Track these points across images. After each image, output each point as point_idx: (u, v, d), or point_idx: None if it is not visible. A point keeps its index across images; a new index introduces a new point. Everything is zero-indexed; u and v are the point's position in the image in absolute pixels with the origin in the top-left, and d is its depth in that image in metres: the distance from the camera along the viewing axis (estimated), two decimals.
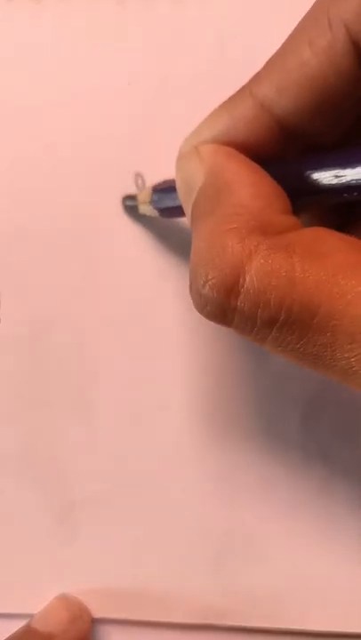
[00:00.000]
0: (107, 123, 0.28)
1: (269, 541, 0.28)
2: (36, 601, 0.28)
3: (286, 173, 0.20)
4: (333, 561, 0.28)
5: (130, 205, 0.27)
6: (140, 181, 0.28)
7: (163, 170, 0.28)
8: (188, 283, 0.18)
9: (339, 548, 0.28)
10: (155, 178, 0.28)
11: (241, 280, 0.17)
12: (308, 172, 0.19)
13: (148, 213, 0.26)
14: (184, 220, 0.26)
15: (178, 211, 0.23)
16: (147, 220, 0.28)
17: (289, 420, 0.27)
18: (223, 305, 0.17)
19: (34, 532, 0.28)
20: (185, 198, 0.21)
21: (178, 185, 0.22)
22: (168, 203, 0.25)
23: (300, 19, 0.27)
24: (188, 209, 0.21)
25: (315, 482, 0.27)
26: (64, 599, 0.27)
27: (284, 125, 0.20)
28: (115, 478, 0.28)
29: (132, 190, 0.28)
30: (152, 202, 0.26)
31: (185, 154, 0.21)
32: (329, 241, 0.17)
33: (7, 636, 0.26)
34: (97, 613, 0.28)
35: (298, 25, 0.19)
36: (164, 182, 0.25)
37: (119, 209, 0.28)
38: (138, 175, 0.28)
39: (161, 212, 0.26)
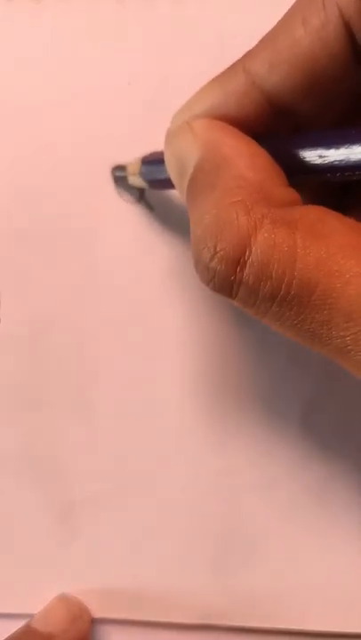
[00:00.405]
0: (107, 123, 0.28)
1: (269, 541, 0.28)
2: (36, 601, 0.28)
3: (273, 150, 0.20)
4: (333, 561, 0.28)
5: (119, 176, 0.27)
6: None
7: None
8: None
9: (339, 548, 0.28)
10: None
11: (247, 252, 0.17)
12: (294, 150, 0.19)
13: (137, 184, 0.26)
14: (173, 193, 0.26)
15: (167, 183, 0.23)
16: (135, 191, 0.27)
17: (289, 419, 0.27)
18: (230, 277, 0.17)
19: (34, 532, 0.28)
20: (177, 174, 0.21)
21: (168, 160, 0.21)
22: (157, 175, 0.25)
23: None
24: (181, 185, 0.21)
25: (315, 482, 0.27)
26: (64, 599, 0.27)
27: (274, 103, 0.20)
28: (114, 478, 0.28)
29: (132, 190, 0.28)
30: (141, 173, 0.26)
31: (176, 129, 0.21)
32: (331, 221, 0.17)
33: (7, 635, 0.26)
34: (97, 613, 0.28)
35: (294, 3, 0.19)
36: (153, 154, 0.25)
37: (119, 209, 0.28)
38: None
39: (150, 183, 0.26)
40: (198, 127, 0.20)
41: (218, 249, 0.17)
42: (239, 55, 0.27)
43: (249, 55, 0.20)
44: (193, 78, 0.27)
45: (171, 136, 0.21)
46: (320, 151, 0.19)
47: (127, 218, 0.28)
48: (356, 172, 0.18)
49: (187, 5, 0.28)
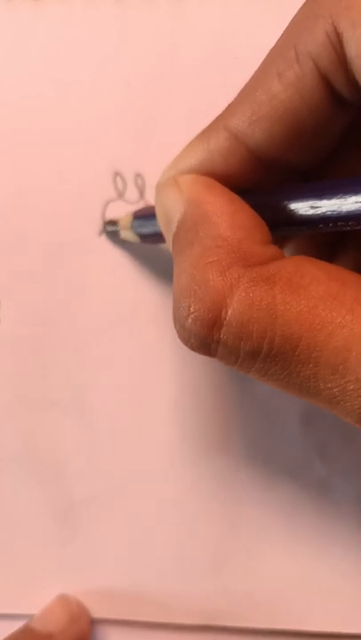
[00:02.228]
0: (106, 123, 0.28)
1: (269, 542, 0.28)
2: (36, 601, 0.28)
3: (264, 203, 0.20)
4: (333, 561, 0.28)
5: (111, 231, 0.27)
6: (119, 180, 0.28)
7: (162, 169, 0.28)
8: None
9: (339, 549, 0.27)
10: (155, 178, 0.28)
11: (223, 313, 0.17)
12: (285, 202, 0.19)
13: (129, 239, 0.26)
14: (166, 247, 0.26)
15: (159, 237, 0.23)
16: (128, 245, 0.28)
17: (289, 419, 0.27)
18: (206, 338, 0.17)
19: (33, 532, 0.28)
20: (165, 228, 0.21)
21: (158, 214, 0.22)
22: (149, 229, 0.25)
23: None
24: (169, 239, 0.21)
25: (315, 482, 0.27)
26: (63, 599, 0.27)
27: (258, 156, 0.20)
28: (114, 479, 0.28)
29: (132, 190, 0.28)
30: (133, 227, 0.26)
31: (164, 184, 0.21)
32: (310, 271, 0.17)
33: (6, 636, 0.26)
34: (96, 614, 0.28)
35: (267, 56, 0.19)
36: (145, 209, 0.26)
37: (118, 208, 0.28)
38: (117, 174, 0.28)
39: (142, 237, 0.26)
40: (184, 182, 0.20)
41: (192, 310, 0.17)
42: (239, 55, 0.27)
43: (228, 111, 0.20)
44: (193, 78, 0.28)
45: (159, 190, 0.21)
46: (312, 202, 0.19)
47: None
48: (350, 222, 0.18)
49: (187, 5, 0.28)
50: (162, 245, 0.26)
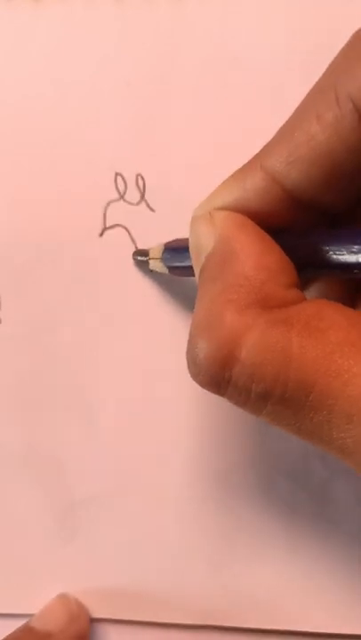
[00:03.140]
0: (107, 123, 0.28)
1: (269, 542, 0.28)
2: (36, 601, 0.28)
3: (296, 245, 0.20)
4: (333, 561, 0.27)
5: (140, 260, 0.27)
6: (120, 181, 0.28)
7: (162, 170, 0.28)
8: None
9: (339, 549, 0.27)
10: (155, 178, 0.28)
11: (236, 352, 0.17)
12: (321, 245, 0.19)
13: (158, 270, 0.26)
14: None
15: (187, 270, 0.23)
16: (156, 275, 0.28)
17: None
18: (217, 376, 0.17)
19: (33, 532, 0.28)
20: (195, 260, 0.21)
21: (190, 246, 0.22)
22: (179, 262, 0.25)
23: (298, 19, 0.27)
24: (197, 272, 0.21)
25: (315, 482, 0.27)
26: (63, 599, 0.27)
27: (295, 196, 0.19)
28: (114, 479, 0.28)
29: (132, 191, 0.28)
30: (163, 259, 0.26)
31: (198, 217, 0.21)
32: (330, 316, 0.17)
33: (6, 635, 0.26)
34: (95, 613, 0.28)
35: (305, 98, 0.20)
36: (176, 241, 0.26)
37: (119, 209, 0.28)
38: (118, 174, 0.28)
39: (171, 269, 0.26)
40: (217, 217, 0.20)
41: (204, 347, 0.17)
42: (239, 55, 0.27)
43: (265, 151, 0.20)
44: (193, 78, 0.28)
45: (193, 222, 0.21)
46: (350, 247, 0.19)
47: (129, 219, 0.28)
48: None
49: (187, 5, 0.28)
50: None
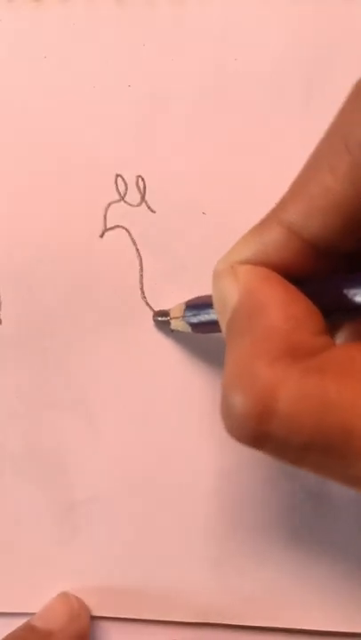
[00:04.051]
0: (107, 124, 0.28)
1: (270, 540, 0.28)
2: (37, 600, 0.28)
3: (321, 291, 0.20)
4: (333, 561, 0.28)
5: (161, 321, 0.27)
6: (120, 182, 0.28)
7: (163, 172, 0.28)
8: None
9: (338, 548, 0.28)
10: (155, 180, 0.28)
11: (273, 406, 0.16)
12: (344, 290, 0.19)
13: (180, 329, 0.26)
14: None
15: (211, 326, 0.24)
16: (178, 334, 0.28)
17: None
18: (254, 431, 0.17)
19: (34, 531, 0.28)
20: (220, 315, 0.21)
21: (214, 301, 0.22)
22: (201, 318, 0.25)
23: (298, 19, 0.27)
24: (223, 326, 0.21)
25: (315, 482, 0.27)
26: (64, 597, 0.28)
27: (314, 246, 0.20)
28: (115, 478, 0.28)
29: (133, 192, 0.28)
30: (184, 317, 0.26)
31: (221, 271, 0.21)
32: None
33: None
34: (96, 612, 0.28)
35: (315, 150, 0.20)
36: (197, 299, 0.26)
37: (119, 210, 0.28)
38: (118, 176, 0.28)
39: (194, 327, 0.26)
40: (241, 271, 0.20)
41: (240, 402, 0.17)
42: (239, 55, 0.27)
43: (281, 206, 0.20)
44: (193, 79, 0.28)
45: (216, 277, 0.21)
46: None
47: (129, 218, 0.28)
48: None
49: (187, 5, 0.27)
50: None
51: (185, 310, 0.26)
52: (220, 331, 0.23)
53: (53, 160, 0.28)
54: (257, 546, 0.28)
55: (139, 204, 0.28)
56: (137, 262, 0.28)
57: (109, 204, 0.28)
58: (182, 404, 0.28)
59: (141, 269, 0.28)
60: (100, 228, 0.28)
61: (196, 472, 0.28)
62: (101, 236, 0.28)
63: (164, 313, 0.27)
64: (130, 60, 0.28)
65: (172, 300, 0.28)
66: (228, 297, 0.20)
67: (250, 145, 0.28)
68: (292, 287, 0.20)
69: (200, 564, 0.28)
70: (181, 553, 0.28)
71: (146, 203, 0.28)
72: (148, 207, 0.28)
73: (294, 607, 0.28)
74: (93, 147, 0.28)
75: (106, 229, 0.28)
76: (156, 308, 0.28)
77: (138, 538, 0.28)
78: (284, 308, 0.18)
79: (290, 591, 0.28)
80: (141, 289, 0.28)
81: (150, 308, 0.28)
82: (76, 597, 0.28)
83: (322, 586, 0.28)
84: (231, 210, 0.28)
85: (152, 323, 0.28)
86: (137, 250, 0.28)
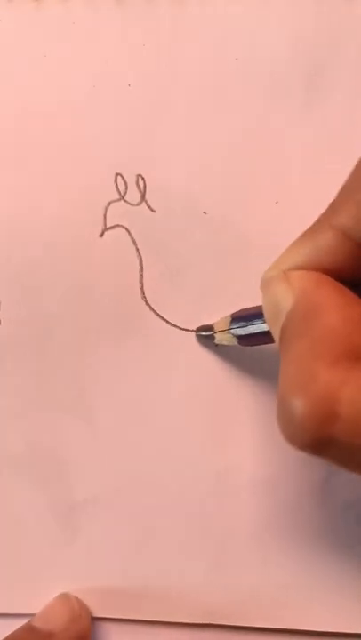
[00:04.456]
0: (107, 124, 0.28)
1: (269, 541, 0.28)
2: (37, 600, 0.28)
3: None
4: (334, 561, 0.28)
5: (204, 335, 0.27)
6: (120, 181, 0.28)
7: (163, 171, 0.28)
8: None
9: (339, 548, 0.28)
10: (155, 179, 0.28)
11: (336, 409, 0.16)
12: None
13: (225, 342, 0.26)
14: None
15: (258, 338, 0.24)
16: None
17: None
18: (318, 435, 0.16)
19: (35, 532, 0.28)
20: (272, 322, 0.21)
21: (266, 307, 0.22)
22: (248, 330, 0.25)
23: (299, 18, 0.27)
24: (276, 333, 0.21)
25: (315, 482, 0.27)
26: (65, 598, 0.28)
27: None
28: (115, 479, 0.28)
29: (133, 191, 0.28)
30: (230, 330, 0.26)
31: (272, 278, 0.21)
32: None
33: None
34: (97, 612, 0.28)
35: None
36: (242, 310, 0.26)
37: (119, 209, 0.28)
38: (118, 175, 0.28)
39: (240, 339, 0.25)
40: (294, 276, 0.20)
41: (301, 405, 0.16)
42: (239, 55, 0.27)
43: (332, 211, 0.20)
44: (194, 79, 0.28)
45: (267, 283, 0.21)
46: None
47: (129, 217, 0.28)
48: None
49: (187, 5, 0.28)
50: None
51: (231, 322, 0.26)
52: (268, 342, 0.24)
53: (53, 159, 0.28)
54: (257, 546, 0.28)
55: (139, 204, 0.28)
56: (137, 262, 0.28)
57: (109, 204, 0.28)
58: (182, 404, 0.28)
59: (141, 269, 0.28)
60: (100, 228, 0.28)
61: (196, 472, 0.28)
62: (101, 235, 0.28)
63: (208, 328, 0.27)
64: (130, 60, 0.28)
65: (172, 299, 0.28)
66: (283, 302, 0.20)
67: (250, 145, 0.28)
68: (346, 290, 0.19)
69: (200, 564, 0.28)
70: (181, 553, 0.28)
71: (146, 202, 0.28)
72: (149, 206, 0.28)
73: (294, 607, 0.28)
74: (93, 146, 0.28)
75: (106, 229, 0.28)
76: (156, 308, 0.28)
77: (138, 538, 0.28)
78: (341, 311, 0.18)
79: (290, 591, 0.28)
80: (141, 289, 0.28)
81: (150, 307, 0.28)
82: (77, 598, 0.28)
83: (322, 586, 0.28)
84: (231, 209, 0.28)
85: (151, 322, 0.28)
86: (137, 249, 0.28)
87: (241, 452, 0.28)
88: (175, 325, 0.28)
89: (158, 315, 0.28)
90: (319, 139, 0.27)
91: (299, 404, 0.17)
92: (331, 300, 0.19)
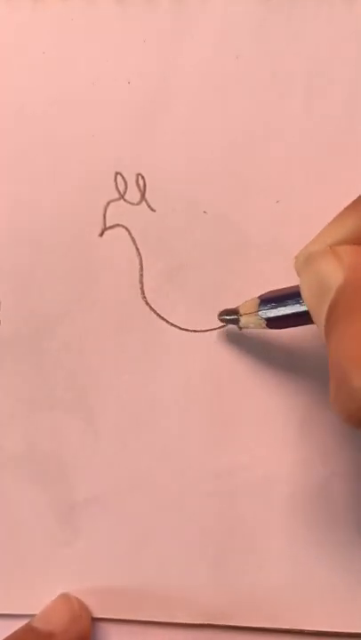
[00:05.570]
0: (107, 122, 0.28)
1: (269, 541, 0.28)
2: (37, 601, 0.28)
3: None
4: (333, 561, 0.28)
5: (229, 319, 0.27)
6: (120, 180, 0.28)
7: (163, 170, 0.28)
8: None
9: (339, 548, 0.28)
10: (156, 178, 0.28)
11: None
12: None
13: (252, 325, 0.26)
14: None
15: (287, 320, 0.23)
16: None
17: (289, 419, 0.27)
18: None
19: (35, 532, 0.28)
20: (316, 300, 0.20)
21: (308, 285, 0.21)
22: (278, 312, 0.24)
23: (299, 18, 0.27)
24: (320, 312, 0.20)
25: (315, 481, 0.27)
26: (65, 599, 0.27)
27: None
28: (115, 479, 0.28)
29: (133, 190, 0.28)
30: (259, 312, 0.25)
31: (317, 254, 0.20)
32: None
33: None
34: (97, 613, 0.28)
35: None
36: (270, 292, 0.25)
37: (119, 208, 0.28)
38: (118, 174, 0.28)
39: (269, 322, 0.25)
40: (343, 252, 0.20)
41: None
42: (239, 54, 0.27)
43: None
44: (194, 77, 0.28)
45: (310, 260, 0.21)
46: None
47: (129, 217, 0.28)
48: None
49: (187, 5, 0.27)
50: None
51: (259, 305, 0.25)
52: (299, 324, 0.23)
53: (52, 157, 0.28)
54: (257, 546, 0.28)
55: (139, 203, 0.28)
56: (137, 261, 0.28)
57: (109, 203, 0.28)
58: (182, 404, 0.28)
59: (141, 268, 0.28)
60: (100, 227, 0.28)
61: (196, 472, 0.28)
62: (101, 234, 0.28)
63: (232, 311, 0.26)
64: (130, 57, 0.28)
65: (172, 299, 0.28)
66: (332, 278, 0.19)
67: (250, 144, 0.28)
68: None
69: (200, 565, 0.28)
70: (181, 554, 0.28)
71: (146, 201, 0.28)
72: (148, 206, 0.28)
73: (294, 607, 0.28)
74: (93, 144, 0.28)
75: (105, 228, 0.28)
76: (156, 308, 0.28)
77: (138, 539, 0.28)
78: None
79: (290, 592, 0.28)
80: (141, 288, 0.28)
81: (150, 307, 0.28)
82: (77, 598, 0.28)
83: (321, 586, 0.28)
84: (232, 209, 0.28)
85: (151, 322, 0.28)
86: (137, 249, 0.28)
87: (241, 452, 0.28)
88: (175, 325, 0.28)
89: (158, 314, 0.28)
90: (319, 138, 0.27)
91: None
92: None
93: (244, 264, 0.28)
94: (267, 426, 0.28)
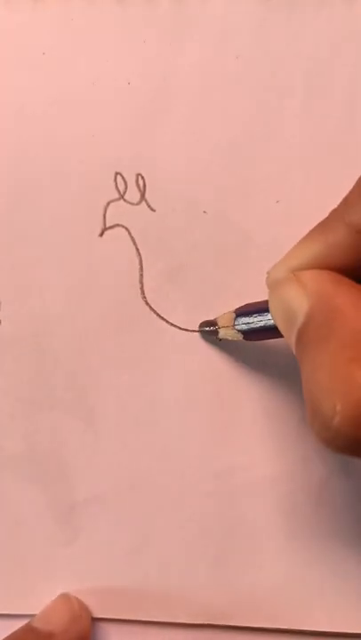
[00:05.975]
0: (107, 123, 0.28)
1: (269, 541, 0.28)
2: (37, 601, 0.28)
3: None
4: (334, 561, 0.28)
5: (207, 330, 0.27)
6: (120, 180, 0.28)
7: (163, 170, 0.28)
8: None
9: (339, 548, 0.28)
10: (155, 178, 0.28)
11: None
12: None
13: (229, 337, 0.26)
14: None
15: (263, 333, 0.24)
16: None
17: (289, 419, 0.27)
18: (358, 438, 0.17)
19: (35, 532, 0.28)
20: (285, 325, 0.21)
21: (275, 310, 0.21)
22: (253, 325, 0.25)
23: (299, 18, 0.27)
24: (290, 336, 0.20)
25: (315, 481, 0.27)
26: (65, 599, 0.27)
27: None
28: (116, 479, 0.28)
29: (133, 190, 0.28)
30: (235, 326, 0.25)
31: (281, 280, 0.21)
32: None
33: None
34: (97, 613, 0.28)
35: None
36: (246, 306, 0.26)
37: (118, 208, 0.28)
38: (118, 174, 0.28)
39: (246, 334, 0.25)
40: (306, 278, 0.20)
41: (339, 409, 0.17)
42: (239, 54, 0.27)
43: (346, 206, 0.20)
44: (194, 77, 0.28)
45: (276, 285, 0.21)
46: None
47: (129, 217, 0.28)
48: None
49: (187, 5, 0.28)
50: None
51: (235, 318, 0.26)
52: (274, 337, 0.23)
53: (52, 158, 0.28)
54: (257, 546, 0.28)
55: (138, 203, 0.28)
56: (137, 261, 0.28)
57: (109, 203, 0.28)
58: (182, 404, 0.28)
59: (141, 269, 0.28)
60: (100, 227, 0.28)
61: (196, 472, 0.28)
62: (101, 234, 0.28)
63: (211, 323, 0.27)
64: (130, 57, 0.28)
65: (172, 299, 0.28)
66: (296, 305, 0.20)
67: (250, 144, 0.28)
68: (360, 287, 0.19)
69: (200, 564, 0.28)
70: (181, 554, 0.28)
71: (146, 201, 0.28)
72: (148, 206, 0.28)
73: (294, 607, 0.28)
74: (93, 144, 0.28)
75: (105, 228, 0.28)
76: (156, 308, 0.28)
77: (138, 538, 0.28)
78: None
79: (290, 592, 0.28)
80: (141, 288, 0.28)
81: (150, 307, 0.28)
82: (77, 599, 0.28)
83: (322, 587, 0.28)
84: (232, 208, 0.28)
85: (151, 322, 0.28)
86: (137, 249, 0.28)
87: (241, 452, 0.28)
88: (175, 325, 0.28)
89: (158, 314, 0.28)
90: (319, 138, 0.27)
91: (337, 409, 0.17)
92: (351, 300, 0.18)
93: (244, 264, 0.28)
94: (267, 426, 0.28)
